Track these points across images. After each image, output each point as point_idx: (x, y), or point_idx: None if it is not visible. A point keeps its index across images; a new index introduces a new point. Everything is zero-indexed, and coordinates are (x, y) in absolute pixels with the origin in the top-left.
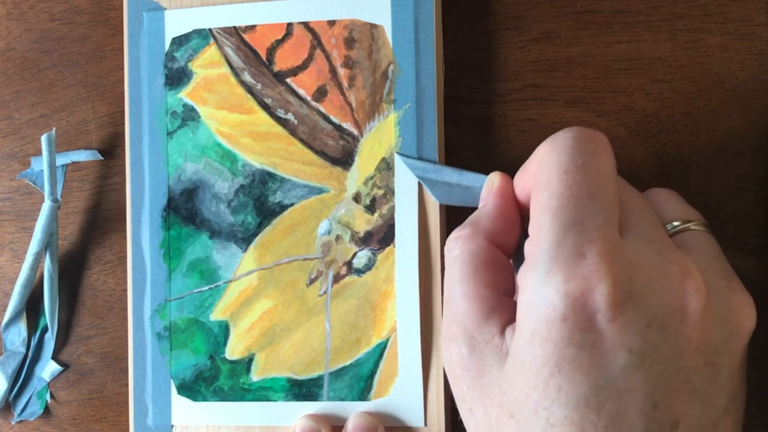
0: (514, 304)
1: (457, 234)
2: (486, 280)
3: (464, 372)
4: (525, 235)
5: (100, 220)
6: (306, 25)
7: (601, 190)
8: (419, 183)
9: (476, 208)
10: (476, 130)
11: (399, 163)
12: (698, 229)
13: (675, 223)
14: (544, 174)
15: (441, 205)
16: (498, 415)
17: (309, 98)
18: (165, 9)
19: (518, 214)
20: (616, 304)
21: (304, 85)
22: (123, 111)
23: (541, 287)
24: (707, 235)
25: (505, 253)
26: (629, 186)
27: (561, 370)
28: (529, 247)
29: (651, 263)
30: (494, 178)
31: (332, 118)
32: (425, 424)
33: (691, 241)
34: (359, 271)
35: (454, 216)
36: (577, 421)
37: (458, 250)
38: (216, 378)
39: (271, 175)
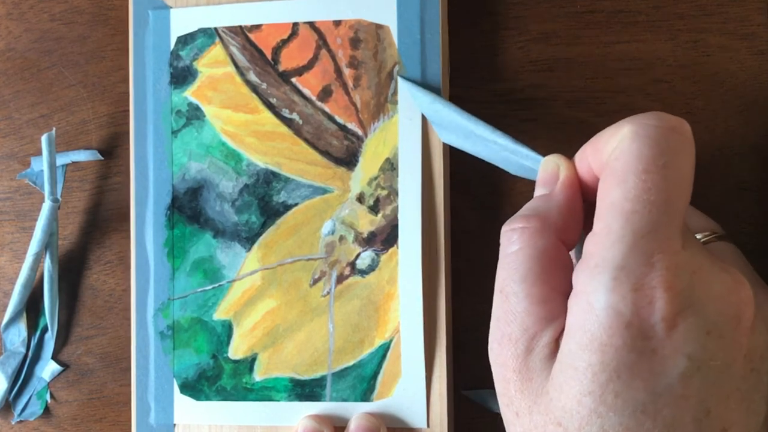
0: (567, 308)
1: (521, 225)
2: (553, 282)
3: (516, 374)
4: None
5: (100, 220)
6: (312, 24)
7: (679, 197)
8: (422, 184)
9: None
10: None
11: (403, 162)
12: (724, 240)
13: (698, 236)
14: (620, 165)
15: (445, 206)
16: (544, 422)
17: (314, 98)
18: (170, 8)
19: (583, 208)
20: (678, 311)
21: (309, 84)
22: (123, 111)
23: (605, 293)
24: (733, 245)
25: (568, 249)
26: None
27: (620, 377)
28: (592, 246)
29: (709, 272)
30: (560, 163)
31: (337, 118)
32: (428, 426)
33: (720, 250)
34: (363, 272)
35: (456, 217)
36: (632, 428)
37: (523, 245)
38: (219, 377)
39: (275, 175)
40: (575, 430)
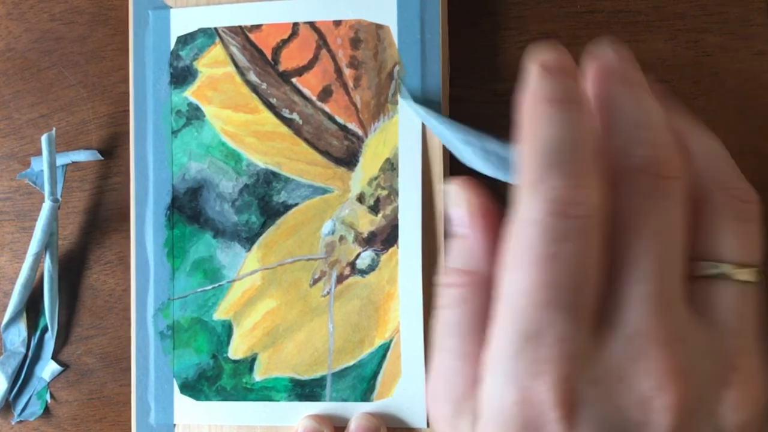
0: None
1: (451, 281)
2: (481, 339)
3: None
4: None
5: (100, 220)
6: (312, 24)
7: (577, 283)
8: (422, 184)
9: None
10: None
11: (403, 162)
12: (745, 282)
13: (712, 271)
14: (511, 248)
15: (444, 207)
16: None
17: (314, 98)
18: (171, 8)
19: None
20: (567, 425)
21: (309, 85)
22: (123, 111)
23: (497, 393)
24: (753, 291)
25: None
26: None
27: None
28: (491, 333)
29: (620, 369)
30: (468, 198)
31: (337, 118)
32: (428, 426)
33: (719, 303)
34: (363, 272)
35: None
36: None
37: (453, 301)
38: (219, 377)
39: (275, 175)
40: None
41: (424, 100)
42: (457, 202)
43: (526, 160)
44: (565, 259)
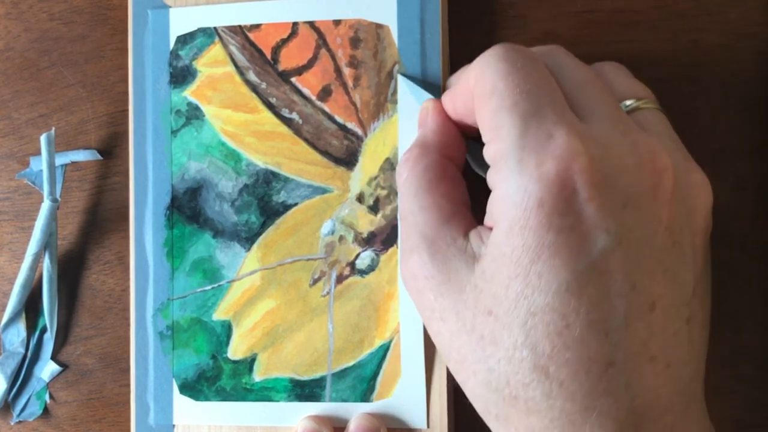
0: (471, 214)
1: (405, 156)
2: (442, 191)
3: (428, 280)
4: (478, 147)
5: (99, 220)
6: (311, 24)
7: (549, 82)
8: None
9: None
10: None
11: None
12: (651, 107)
13: (627, 102)
14: (486, 84)
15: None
16: (473, 315)
17: (314, 98)
18: (170, 7)
19: (459, 131)
20: (594, 182)
21: (308, 84)
22: (122, 111)
23: (514, 178)
24: (660, 113)
25: (456, 167)
26: (581, 63)
27: (540, 257)
28: (491, 150)
29: (618, 144)
30: (427, 104)
31: (337, 117)
32: (428, 426)
33: (646, 120)
34: (362, 272)
35: None
36: (558, 308)
37: (410, 170)
38: (218, 378)
39: (275, 175)
40: (504, 314)
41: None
42: (420, 113)
43: None
44: (534, 69)
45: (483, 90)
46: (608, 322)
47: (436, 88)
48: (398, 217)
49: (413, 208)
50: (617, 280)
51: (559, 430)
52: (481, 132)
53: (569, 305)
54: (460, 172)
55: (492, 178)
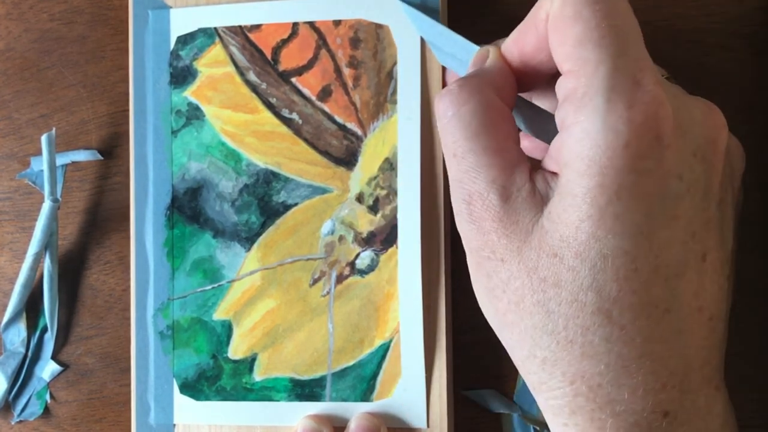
0: (527, 157)
1: (456, 88)
2: (505, 132)
3: (498, 222)
4: (528, 105)
5: (100, 220)
6: (311, 24)
7: (633, 19)
8: (421, 184)
9: None
10: None
11: (402, 162)
12: (671, 79)
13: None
14: (568, 7)
15: (444, 206)
16: (537, 257)
17: (314, 98)
18: (170, 7)
19: (515, 79)
20: (674, 129)
21: (308, 84)
22: (123, 111)
23: (600, 116)
24: (679, 86)
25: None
26: None
27: (620, 198)
28: (571, 82)
29: (685, 97)
30: (487, 48)
31: (336, 118)
32: (428, 426)
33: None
34: (362, 272)
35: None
36: (630, 251)
37: (463, 105)
38: (218, 377)
39: (275, 175)
40: (572, 257)
41: (424, 99)
42: (477, 54)
43: None
44: (621, 1)
45: (564, 14)
46: (670, 268)
47: (434, 13)
48: (448, 154)
49: (474, 148)
50: (683, 226)
51: (613, 375)
52: (558, 61)
53: (641, 248)
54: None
55: (568, 115)
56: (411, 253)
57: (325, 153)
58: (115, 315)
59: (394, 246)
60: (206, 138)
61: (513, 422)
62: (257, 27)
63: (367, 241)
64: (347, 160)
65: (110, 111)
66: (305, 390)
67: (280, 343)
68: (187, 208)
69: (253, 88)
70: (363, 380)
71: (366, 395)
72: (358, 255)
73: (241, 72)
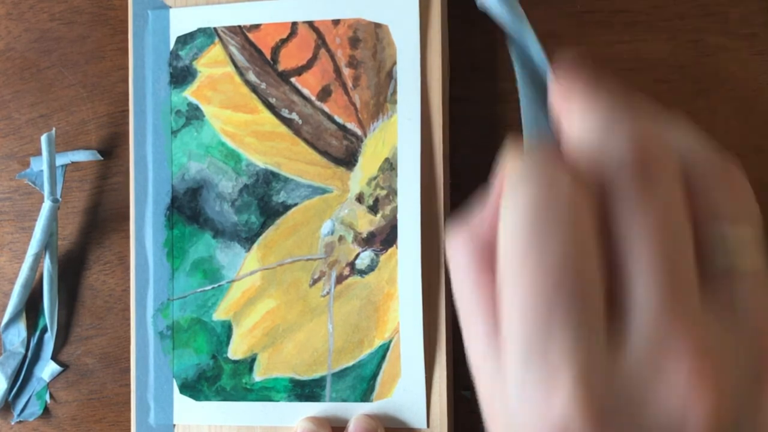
0: None
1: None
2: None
3: None
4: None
5: (99, 220)
6: (311, 24)
7: (580, 278)
8: (421, 184)
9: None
10: (477, 130)
11: (402, 162)
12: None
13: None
14: (505, 230)
15: (444, 206)
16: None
17: (313, 98)
18: (170, 7)
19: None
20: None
21: (308, 84)
22: (122, 111)
23: (515, 402)
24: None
25: None
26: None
27: None
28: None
29: (644, 366)
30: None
31: (336, 118)
32: (428, 426)
33: (743, 299)
34: (362, 272)
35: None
36: None
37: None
38: (218, 378)
39: (274, 175)
40: None
41: (424, 99)
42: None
43: None
44: (567, 228)
45: (501, 238)
46: None
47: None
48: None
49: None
50: None
51: None
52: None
53: None
54: None
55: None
56: (411, 253)
57: (324, 153)
58: (115, 315)
59: (394, 246)
60: (206, 138)
61: None
62: (256, 27)
63: (367, 241)
64: (347, 160)
65: (110, 111)
66: (305, 390)
67: (280, 343)
68: (187, 208)
69: (253, 88)
70: (363, 380)
71: (366, 395)
72: (357, 255)
73: (240, 72)
